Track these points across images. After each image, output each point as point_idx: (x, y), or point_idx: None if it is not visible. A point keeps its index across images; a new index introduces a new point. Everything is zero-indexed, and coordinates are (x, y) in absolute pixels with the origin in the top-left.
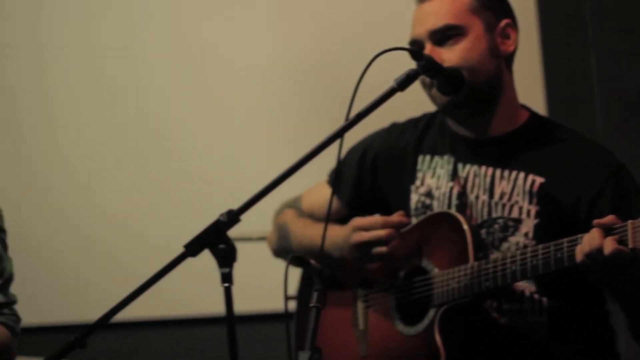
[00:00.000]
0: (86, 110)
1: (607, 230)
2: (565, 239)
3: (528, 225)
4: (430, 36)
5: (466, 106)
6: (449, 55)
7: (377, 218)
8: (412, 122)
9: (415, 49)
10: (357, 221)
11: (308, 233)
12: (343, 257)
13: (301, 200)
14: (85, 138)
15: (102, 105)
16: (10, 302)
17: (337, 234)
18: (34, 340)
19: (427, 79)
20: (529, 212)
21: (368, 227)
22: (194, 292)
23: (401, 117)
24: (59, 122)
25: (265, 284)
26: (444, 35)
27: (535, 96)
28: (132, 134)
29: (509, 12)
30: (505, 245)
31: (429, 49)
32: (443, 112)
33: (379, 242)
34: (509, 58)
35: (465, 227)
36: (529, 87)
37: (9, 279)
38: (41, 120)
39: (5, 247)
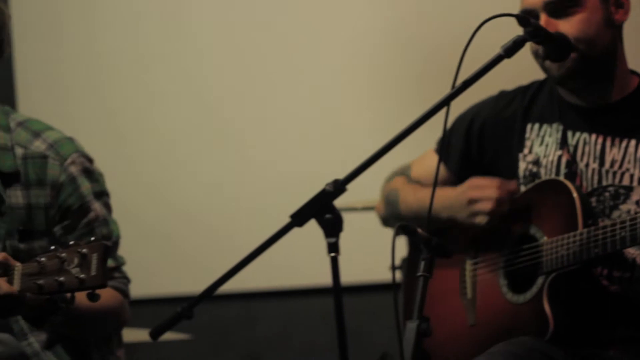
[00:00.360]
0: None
1: None
2: None
3: (639, 193)
4: (546, 7)
5: (581, 77)
6: (565, 27)
7: (494, 179)
8: (521, 90)
9: (522, 15)
10: (475, 180)
11: (418, 196)
12: (452, 217)
13: (410, 169)
14: (183, 99)
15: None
16: (120, 264)
17: (448, 194)
18: (141, 313)
19: (539, 50)
20: None
21: (485, 185)
22: (300, 263)
23: (509, 85)
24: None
25: (370, 254)
26: (560, 6)
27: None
28: (232, 101)
29: None
30: (616, 214)
31: (543, 19)
32: (558, 83)
33: (492, 201)
34: (621, 26)
35: (575, 194)
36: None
37: (116, 242)
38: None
39: (109, 210)
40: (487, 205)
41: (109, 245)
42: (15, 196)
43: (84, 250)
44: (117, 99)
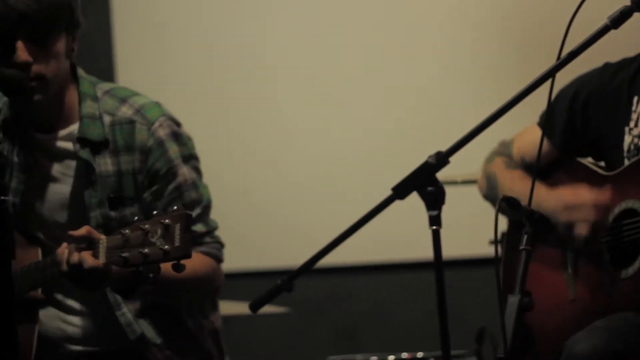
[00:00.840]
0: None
1: None
2: None
3: None
4: None
5: None
6: None
7: (586, 197)
8: (626, 62)
9: None
10: (567, 198)
11: (515, 188)
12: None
13: (512, 145)
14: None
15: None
16: (212, 229)
17: (545, 200)
18: (239, 286)
19: None
20: None
21: (580, 204)
22: (395, 237)
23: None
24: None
25: (467, 228)
26: None
27: None
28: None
29: None
30: None
31: None
32: None
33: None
34: None
35: None
36: None
37: (207, 206)
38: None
39: (199, 174)
40: (583, 231)
41: (191, 214)
42: (105, 164)
43: (167, 221)
44: (214, 77)
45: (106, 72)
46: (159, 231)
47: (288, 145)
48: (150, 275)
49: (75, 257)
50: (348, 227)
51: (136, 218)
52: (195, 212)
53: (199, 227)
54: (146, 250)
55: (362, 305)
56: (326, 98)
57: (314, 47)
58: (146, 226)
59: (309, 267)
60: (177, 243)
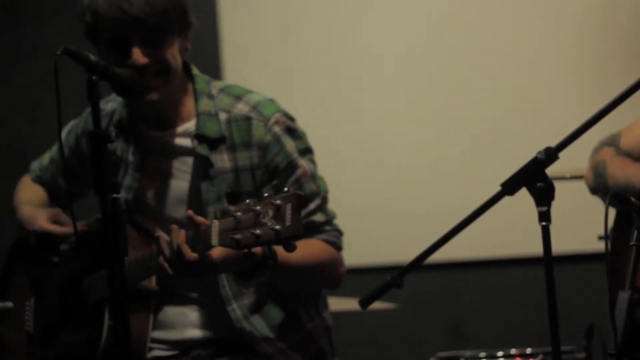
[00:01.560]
0: None
1: None
2: None
3: None
4: None
5: None
6: None
7: None
8: None
9: None
10: None
11: (626, 172)
12: None
13: (620, 138)
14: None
15: None
16: (331, 218)
17: None
18: (348, 282)
19: None
20: None
21: None
22: (504, 232)
23: None
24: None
25: (578, 223)
26: None
27: None
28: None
29: None
30: None
31: None
32: None
33: None
34: None
35: None
36: None
37: (325, 197)
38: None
39: (315, 166)
40: None
41: (301, 194)
42: (222, 160)
43: (278, 202)
44: (321, 75)
45: (213, 71)
46: (270, 212)
47: (396, 141)
48: (270, 261)
49: (173, 252)
50: (458, 222)
51: (247, 201)
52: (315, 203)
53: (318, 217)
54: (258, 231)
55: (471, 300)
56: (435, 96)
57: (419, 47)
58: (257, 207)
59: (418, 263)
60: (288, 223)
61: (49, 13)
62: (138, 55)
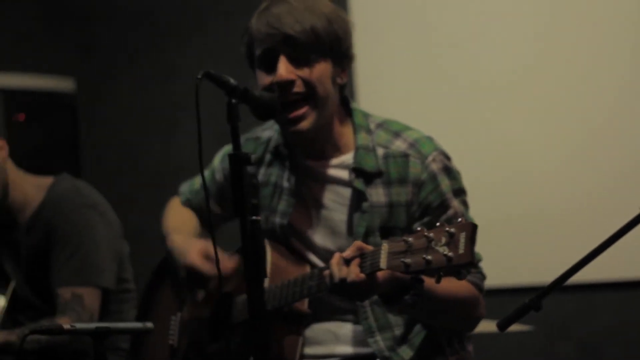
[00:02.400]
0: None
1: None
2: None
3: None
4: None
5: None
6: None
7: None
8: None
9: None
10: None
11: None
12: None
13: None
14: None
15: None
16: (477, 260)
17: None
18: (488, 303)
19: None
20: None
21: None
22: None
23: None
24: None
25: None
26: None
27: None
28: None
29: None
30: None
31: None
32: None
33: None
34: None
35: None
36: None
37: None
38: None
39: (467, 207)
40: None
41: (476, 225)
42: (377, 194)
43: (452, 230)
44: (456, 95)
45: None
46: (443, 239)
47: (533, 165)
48: (418, 286)
49: (343, 272)
50: (598, 244)
51: (419, 228)
52: None
53: None
54: (429, 256)
55: (607, 322)
56: (574, 119)
57: (545, 59)
58: (430, 234)
59: (558, 285)
60: (461, 251)
61: (186, 36)
62: (283, 69)
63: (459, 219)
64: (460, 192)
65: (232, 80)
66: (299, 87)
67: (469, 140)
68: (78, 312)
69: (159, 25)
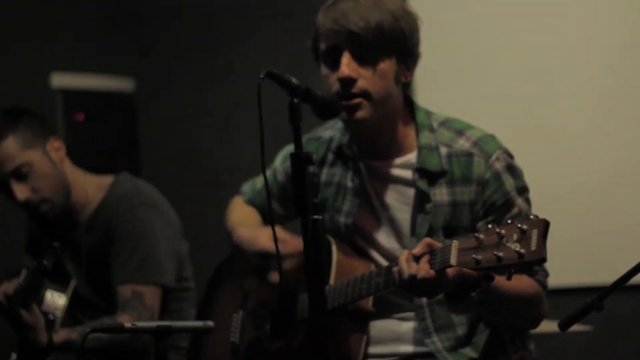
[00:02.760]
0: None
1: None
2: None
3: None
4: None
5: None
6: None
7: None
8: None
9: None
10: None
11: None
12: None
13: None
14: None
15: None
16: None
17: None
18: (554, 303)
19: None
20: None
21: None
22: None
23: None
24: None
25: None
26: None
27: None
28: None
29: None
30: None
31: None
32: None
33: None
34: None
35: None
36: None
37: None
38: None
39: (530, 205)
40: None
41: (549, 222)
42: (441, 194)
43: (524, 226)
44: (516, 95)
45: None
46: (515, 235)
47: (593, 161)
48: (485, 283)
49: (412, 268)
50: None
51: (489, 225)
52: None
53: None
54: (500, 253)
55: None
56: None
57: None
58: (502, 231)
59: (620, 285)
60: (532, 247)
61: (243, 36)
62: (345, 65)
63: (531, 216)
64: (523, 190)
65: (294, 80)
66: (362, 83)
67: (527, 141)
68: (139, 309)
69: (217, 25)
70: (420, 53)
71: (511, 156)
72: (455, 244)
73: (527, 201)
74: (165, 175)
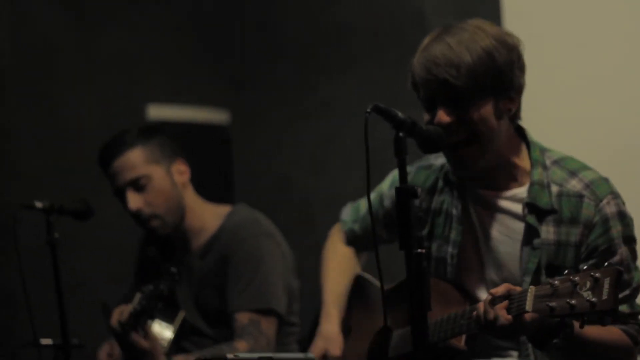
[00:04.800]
0: None
1: None
2: None
3: None
4: None
5: None
6: None
7: None
8: None
9: None
10: None
11: None
12: None
13: None
14: None
15: None
16: (636, 312)
17: None
18: None
19: None
20: None
21: None
22: None
23: None
24: None
25: None
26: None
27: None
28: None
29: None
30: None
31: None
32: None
33: None
34: None
35: None
36: None
37: (636, 289)
38: None
39: (635, 257)
40: None
41: (622, 270)
42: (547, 232)
43: (597, 275)
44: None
45: None
46: (588, 284)
47: None
48: (567, 329)
49: (490, 314)
50: None
51: (566, 271)
52: (624, 294)
53: (623, 308)
54: (573, 301)
55: None
56: None
57: None
58: (576, 278)
59: None
60: (604, 296)
61: (338, 71)
62: (441, 115)
63: (606, 263)
64: (630, 240)
65: (400, 114)
66: (460, 131)
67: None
68: (255, 336)
69: (312, 60)
70: (523, 81)
71: (623, 202)
72: (531, 290)
73: (632, 251)
74: (260, 208)
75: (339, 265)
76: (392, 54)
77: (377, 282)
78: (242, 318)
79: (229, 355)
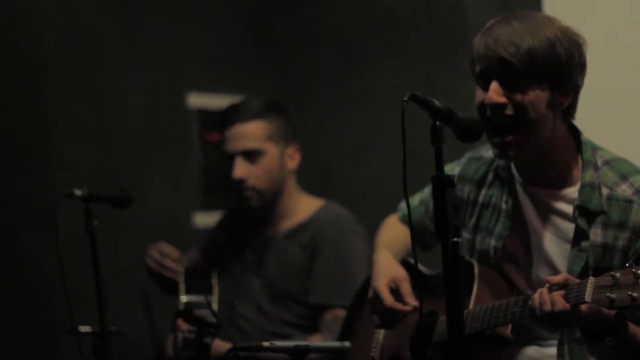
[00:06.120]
0: None
1: None
2: None
3: None
4: None
5: None
6: None
7: None
8: None
9: None
10: None
11: None
12: None
13: None
14: None
15: None
16: None
17: None
18: None
19: None
20: None
21: None
22: None
23: None
24: None
25: None
26: None
27: None
28: None
29: None
30: None
31: None
32: None
33: None
34: None
35: None
36: None
37: None
38: None
39: None
40: None
41: None
42: (595, 234)
43: None
44: None
45: None
46: None
47: None
48: (620, 329)
49: (547, 303)
50: None
51: (628, 264)
52: None
53: None
54: (635, 293)
55: None
56: None
57: None
58: (639, 271)
59: None
60: None
61: (377, 59)
62: (493, 92)
63: None
64: None
65: (437, 103)
66: (509, 110)
67: None
68: (334, 331)
69: (352, 49)
70: (581, 80)
71: None
72: (591, 280)
73: None
74: None
75: (394, 236)
76: (431, 42)
77: (424, 269)
78: (327, 314)
79: (265, 344)
